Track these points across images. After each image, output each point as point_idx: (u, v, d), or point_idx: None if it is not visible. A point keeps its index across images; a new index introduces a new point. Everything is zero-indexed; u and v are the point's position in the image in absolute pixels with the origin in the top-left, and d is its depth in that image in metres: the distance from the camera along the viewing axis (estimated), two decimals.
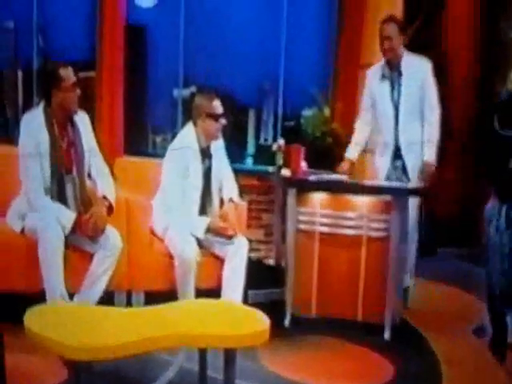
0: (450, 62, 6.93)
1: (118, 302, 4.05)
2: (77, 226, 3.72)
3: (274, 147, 4.85)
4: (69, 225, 3.69)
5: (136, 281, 4.08)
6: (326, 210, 4.28)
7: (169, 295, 3.81)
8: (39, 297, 3.59)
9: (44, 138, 3.81)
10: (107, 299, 3.81)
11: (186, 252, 3.99)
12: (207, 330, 2.65)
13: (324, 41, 6.04)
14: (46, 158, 3.78)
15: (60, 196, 3.82)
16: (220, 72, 5.91)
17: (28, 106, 4.93)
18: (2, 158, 4.25)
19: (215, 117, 4.24)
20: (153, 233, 4.24)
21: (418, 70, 4.76)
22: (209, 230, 4.14)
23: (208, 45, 5.94)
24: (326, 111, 5.78)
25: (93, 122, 4.15)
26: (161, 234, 4.21)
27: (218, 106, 4.26)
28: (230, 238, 4.15)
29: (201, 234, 4.13)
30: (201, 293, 4.00)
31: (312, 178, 4.37)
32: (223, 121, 4.27)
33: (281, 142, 4.86)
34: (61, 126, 3.89)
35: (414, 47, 4.87)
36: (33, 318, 2.49)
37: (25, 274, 3.72)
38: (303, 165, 4.49)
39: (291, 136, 5.18)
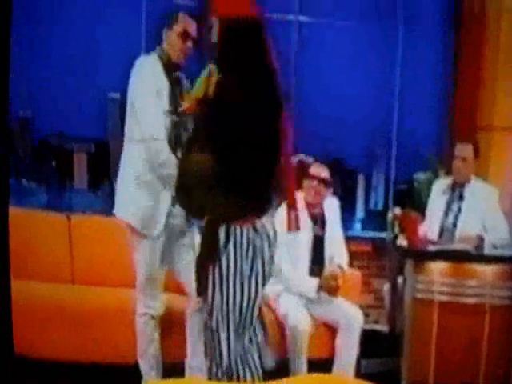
0: None
1: None
2: None
3: (390, 216, 4.69)
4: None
5: None
6: (446, 279, 4.11)
7: (281, 364, 3.75)
8: None
9: None
10: None
11: (299, 323, 3.91)
12: None
13: (438, 102, 5.92)
14: None
15: None
16: (329, 137, 5.87)
17: None
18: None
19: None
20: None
21: (483, 199, 4.49)
22: (320, 288, 4.06)
23: (317, 109, 5.92)
24: (442, 175, 5.59)
25: None
26: (272, 304, 4.16)
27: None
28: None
29: (313, 293, 4.06)
30: (312, 362, 3.95)
31: (431, 248, 4.23)
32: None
33: (397, 210, 4.69)
34: None
35: None
36: None
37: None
38: (422, 234, 4.35)
39: (403, 201, 5.03)
